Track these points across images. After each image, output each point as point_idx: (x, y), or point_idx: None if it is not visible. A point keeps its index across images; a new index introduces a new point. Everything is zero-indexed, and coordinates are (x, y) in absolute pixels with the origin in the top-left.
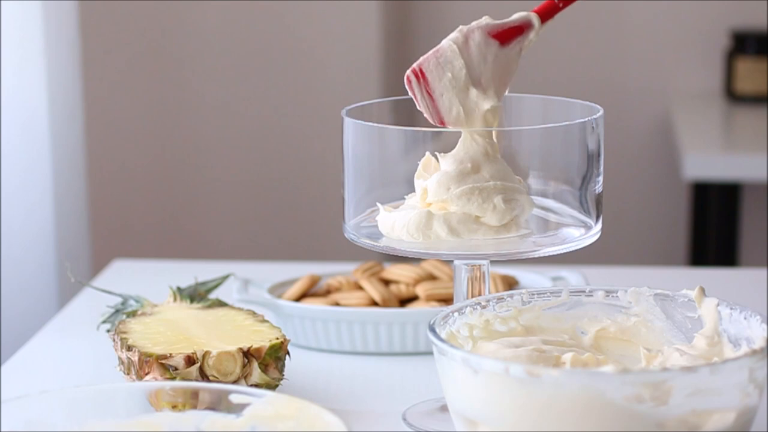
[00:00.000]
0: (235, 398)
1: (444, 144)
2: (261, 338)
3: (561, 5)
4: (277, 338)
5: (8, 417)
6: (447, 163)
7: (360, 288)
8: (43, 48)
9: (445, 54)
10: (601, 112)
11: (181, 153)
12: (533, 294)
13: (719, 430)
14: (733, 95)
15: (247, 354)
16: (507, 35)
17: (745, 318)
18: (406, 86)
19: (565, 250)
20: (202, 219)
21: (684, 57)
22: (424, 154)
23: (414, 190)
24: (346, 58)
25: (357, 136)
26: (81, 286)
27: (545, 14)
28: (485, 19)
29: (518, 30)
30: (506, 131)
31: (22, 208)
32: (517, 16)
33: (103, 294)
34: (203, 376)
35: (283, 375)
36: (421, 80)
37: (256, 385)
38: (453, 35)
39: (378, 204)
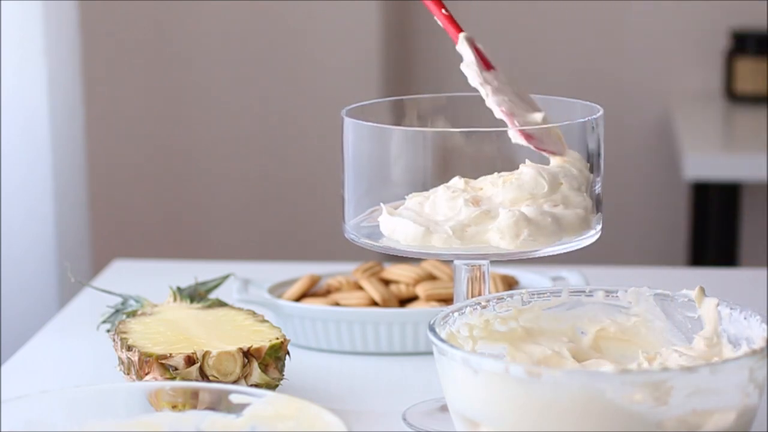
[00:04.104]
0: (235, 398)
1: (444, 144)
2: (261, 338)
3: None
4: (277, 338)
5: (8, 417)
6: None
7: (360, 288)
8: (43, 48)
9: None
10: (601, 112)
11: (181, 153)
12: (533, 294)
13: (719, 430)
14: (733, 95)
15: (247, 354)
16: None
17: (745, 318)
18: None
19: (565, 250)
20: (202, 219)
21: (684, 57)
22: (423, 154)
23: (413, 191)
24: (346, 58)
25: (357, 136)
26: (81, 286)
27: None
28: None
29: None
30: (506, 131)
31: (22, 208)
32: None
33: (103, 294)
34: (203, 376)
35: (283, 375)
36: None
37: (256, 385)
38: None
39: (381, 204)
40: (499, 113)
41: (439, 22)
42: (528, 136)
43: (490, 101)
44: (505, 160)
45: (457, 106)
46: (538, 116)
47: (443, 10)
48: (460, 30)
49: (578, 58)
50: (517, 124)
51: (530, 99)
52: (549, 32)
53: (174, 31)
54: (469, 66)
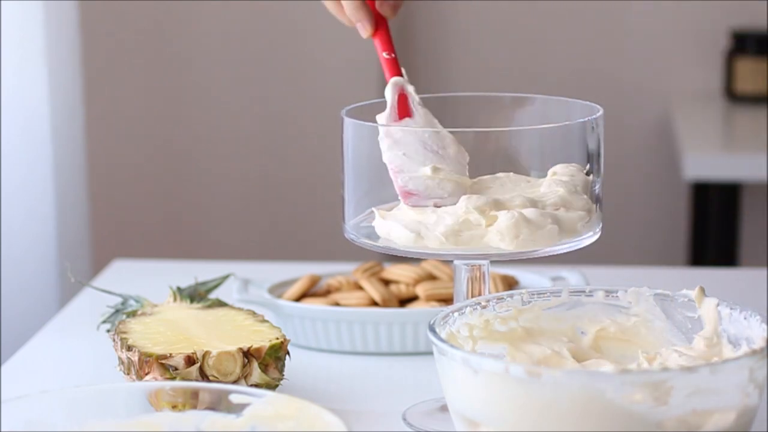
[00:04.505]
0: (235, 398)
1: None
2: (261, 338)
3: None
4: (277, 338)
5: (8, 417)
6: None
7: (360, 288)
8: (43, 48)
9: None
10: (601, 112)
11: (181, 153)
12: (533, 294)
13: (719, 430)
14: (733, 95)
15: (247, 354)
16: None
17: (745, 318)
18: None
19: (565, 250)
20: (202, 219)
21: (684, 57)
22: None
23: None
24: (346, 58)
25: (357, 136)
26: (81, 286)
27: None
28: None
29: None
30: (506, 131)
31: (22, 208)
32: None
33: (103, 294)
34: (203, 376)
35: (283, 375)
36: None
37: (256, 385)
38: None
39: (373, 209)
40: (390, 170)
41: (381, 63)
42: (407, 194)
43: (384, 156)
44: (505, 160)
45: (457, 106)
46: (426, 170)
47: (384, 54)
48: (396, 74)
49: (578, 58)
50: (400, 181)
51: (448, 141)
52: (549, 32)
53: (174, 31)
54: (384, 115)
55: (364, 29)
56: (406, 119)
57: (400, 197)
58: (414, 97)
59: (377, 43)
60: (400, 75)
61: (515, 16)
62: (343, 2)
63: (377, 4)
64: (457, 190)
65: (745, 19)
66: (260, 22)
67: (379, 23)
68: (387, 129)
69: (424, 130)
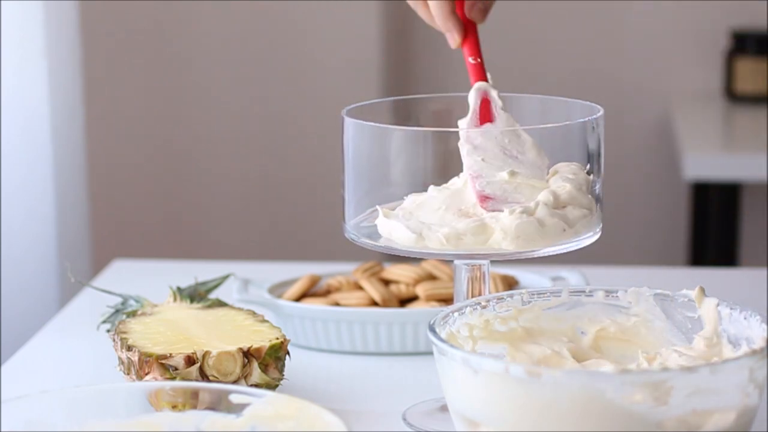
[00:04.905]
0: (235, 398)
1: (445, 144)
2: (261, 338)
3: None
4: (277, 338)
5: (8, 417)
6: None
7: (360, 288)
8: (43, 48)
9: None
10: (601, 112)
11: (182, 153)
12: (533, 294)
13: (719, 430)
14: (733, 95)
15: (247, 354)
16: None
17: (745, 318)
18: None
19: (565, 250)
20: (202, 219)
21: (684, 57)
22: (423, 154)
23: (413, 191)
24: (346, 58)
25: (357, 136)
26: (81, 286)
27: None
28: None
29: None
30: (507, 131)
31: (22, 208)
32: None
33: (103, 294)
34: (203, 376)
35: (283, 375)
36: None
37: (256, 385)
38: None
39: (377, 207)
40: (468, 175)
41: (467, 68)
42: (484, 198)
43: (464, 161)
44: None
45: (458, 106)
46: (503, 174)
47: (470, 59)
48: (480, 79)
49: (578, 58)
50: (477, 186)
51: (528, 146)
52: (549, 32)
53: (174, 31)
54: (465, 119)
55: (453, 39)
56: (487, 124)
57: (477, 201)
58: (497, 102)
59: (464, 49)
60: (485, 80)
61: (515, 16)
62: (432, 12)
63: (466, 7)
64: (534, 194)
65: (745, 19)
66: (260, 22)
67: (468, 29)
68: (467, 134)
69: (503, 134)
